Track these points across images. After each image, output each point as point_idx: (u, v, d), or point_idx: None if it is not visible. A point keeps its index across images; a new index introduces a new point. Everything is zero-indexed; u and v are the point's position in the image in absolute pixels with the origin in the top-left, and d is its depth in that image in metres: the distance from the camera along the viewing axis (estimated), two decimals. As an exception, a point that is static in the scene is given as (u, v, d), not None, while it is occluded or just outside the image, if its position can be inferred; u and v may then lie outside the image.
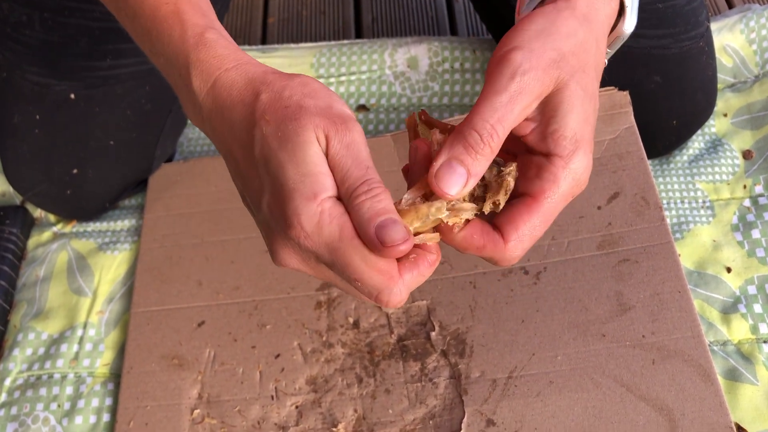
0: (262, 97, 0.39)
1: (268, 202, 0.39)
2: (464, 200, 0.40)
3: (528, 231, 0.40)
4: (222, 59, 0.41)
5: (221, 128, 0.41)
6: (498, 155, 0.40)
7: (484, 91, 0.39)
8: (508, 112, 0.38)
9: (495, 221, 0.41)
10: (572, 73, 0.40)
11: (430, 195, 0.39)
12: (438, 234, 0.40)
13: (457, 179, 0.38)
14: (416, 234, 0.39)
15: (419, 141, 0.41)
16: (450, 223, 0.39)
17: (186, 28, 0.43)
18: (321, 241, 0.37)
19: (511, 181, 0.40)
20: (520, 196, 0.41)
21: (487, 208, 0.40)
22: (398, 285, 0.38)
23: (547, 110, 0.40)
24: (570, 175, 0.40)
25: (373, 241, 0.36)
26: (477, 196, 0.41)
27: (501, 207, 0.40)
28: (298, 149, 0.37)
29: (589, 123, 0.41)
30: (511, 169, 0.40)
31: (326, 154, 0.38)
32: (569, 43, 0.40)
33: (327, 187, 0.37)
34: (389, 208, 0.37)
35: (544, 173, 0.40)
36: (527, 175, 0.41)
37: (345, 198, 0.37)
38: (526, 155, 0.42)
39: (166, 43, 0.44)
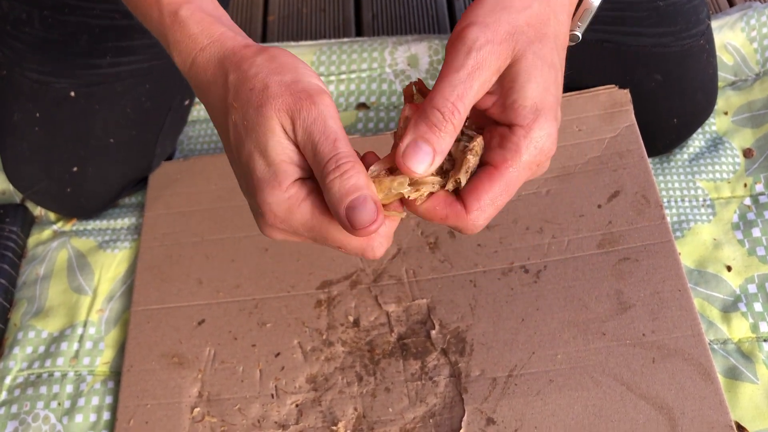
0: (230, 78, 0.40)
1: (246, 188, 0.41)
2: (432, 174, 0.41)
3: (489, 201, 0.40)
4: (196, 38, 0.42)
5: (206, 107, 0.43)
6: (470, 128, 0.42)
7: (443, 68, 0.39)
8: (467, 88, 0.39)
9: (459, 191, 0.42)
10: (528, 44, 0.40)
11: (396, 168, 0.40)
12: (402, 211, 0.41)
13: (423, 157, 0.39)
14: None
15: (411, 106, 0.42)
16: (411, 198, 0.40)
17: (162, 8, 0.43)
18: (296, 223, 0.39)
19: (471, 159, 0.41)
20: (483, 165, 0.41)
21: (450, 186, 0.41)
22: (377, 240, 0.40)
23: (506, 82, 0.41)
24: (532, 144, 0.40)
25: (345, 224, 0.37)
26: (445, 170, 0.42)
27: (463, 184, 0.41)
28: (261, 139, 0.38)
29: (551, 92, 0.41)
30: (474, 144, 0.41)
31: (294, 136, 0.38)
32: (524, 15, 0.41)
33: (290, 173, 0.39)
34: (359, 184, 0.37)
35: (506, 143, 0.40)
36: (490, 145, 0.41)
37: (318, 177, 0.38)
38: (492, 127, 0.42)
39: (149, 25, 0.45)
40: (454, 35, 0.40)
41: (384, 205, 0.40)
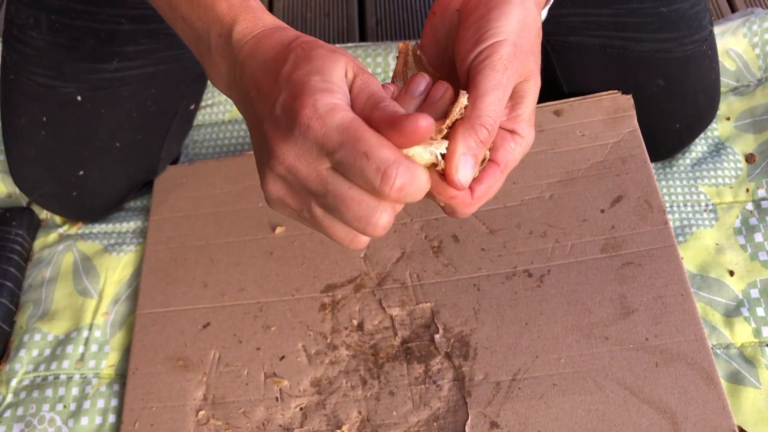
0: (301, 38, 0.42)
1: (283, 100, 0.39)
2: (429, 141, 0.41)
3: (485, 190, 0.43)
4: (266, 21, 0.45)
5: (252, 67, 0.42)
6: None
7: (481, 79, 0.41)
8: (502, 106, 0.42)
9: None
10: (536, 65, 0.45)
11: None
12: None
13: (470, 169, 0.41)
14: None
15: (420, 75, 0.43)
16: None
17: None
18: (333, 122, 0.37)
19: (457, 111, 0.41)
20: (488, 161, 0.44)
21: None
22: (384, 212, 0.38)
23: (515, 97, 0.45)
24: (524, 145, 0.45)
25: (397, 125, 0.37)
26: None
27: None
28: (326, 68, 0.39)
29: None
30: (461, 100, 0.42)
31: (350, 88, 0.40)
32: (527, 33, 0.44)
33: (346, 95, 0.39)
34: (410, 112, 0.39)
35: (507, 145, 0.44)
36: (495, 145, 0.44)
37: (370, 108, 0.39)
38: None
39: (208, 8, 0.46)
40: (489, 49, 0.42)
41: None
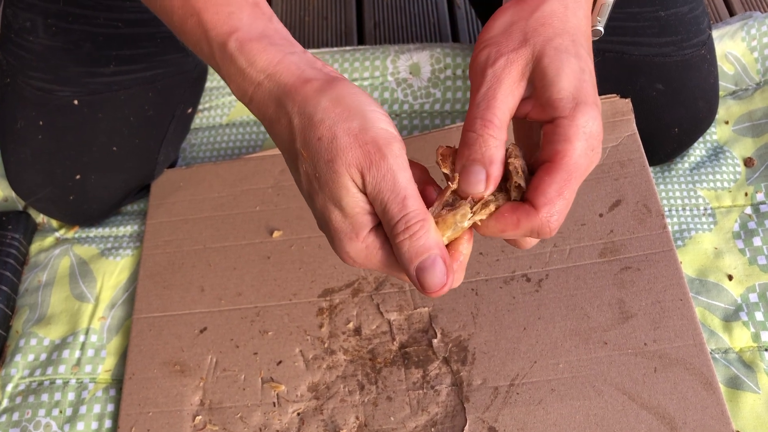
0: (295, 122, 0.39)
1: (324, 228, 0.42)
2: (494, 193, 0.41)
3: (555, 192, 0.39)
4: (248, 75, 0.41)
5: (273, 140, 0.43)
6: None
7: (470, 97, 0.41)
8: (491, 99, 0.40)
9: (525, 196, 0.41)
10: (547, 42, 0.41)
11: (454, 201, 0.41)
12: (471, 242, 0.41)
13: (477, 176, 0.39)
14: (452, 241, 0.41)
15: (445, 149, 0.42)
16: (480, 220, 0.40)
17: (211, 42, 0.42)
18: (372, 265, 0.41)
19: (514, 161, 0.40)
20: (539, 164, 0.41)
21: (513, 193, 0.41)
22: (451, 278, 0.41)
23: (537, 81, 0.41)
24: (581, 130, 0.40)
25: (415, 283, 0.39)
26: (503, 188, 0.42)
27: (525, 186, 0.40)
28: (335, 193, 0.39)
29: (584, 80, 0.41)
30: (511, 150, 0.41)
31: (364, 190, 0.39)
32: (535, 17, 0.42)
33: (366, 224, 0.40)
34: (428, 244, 0.38)
35: (554, 137, 0.40)
36: (541, 145, 0.41)
37: (389, 235, 0.39)
38: (536, 132, 0.44)
39: (202, 56, 0.44)
40: (471, 63, 0.41)
41: (456, 240, 0.41)
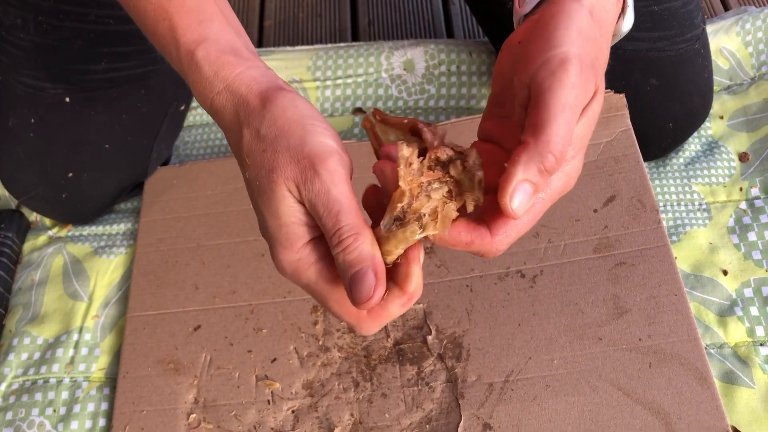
0: (244, 132, 0.41)
1: (264, 235, 0.42)
2: (444, 199, 0.39)
3: (514, 229, 0.40)
4: (211, 82, 0.42)
5: (230, 147, 0.45)
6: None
7: (547, 98, 0.37)
8: (571, 130, 0.38)
9: (482, 215, 0.41)
10: (601, 81, 0.41)
11: (407, 209, 0.39)
12: (420, 258, 0.40)
13: (528, 200, 0.38)
14: (403, 254, 0.40)
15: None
16: (433, 234, 0.39)
17: (179, 48, 0.43)
18: (301, 282, 0.41)
19: (481, 174, 0.39)
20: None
21: (470, 207, 0.40)
22: (367, 323, 0.41)
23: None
24: (563, 177, 0.41)
25: (349, 294, 0.39)
26: (453, 194, 0.40)
27: (482, 201, 0.40)
28: (272, 202, 0.39)
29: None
30: (475, 158, 0.40)
31: (301, 201, 0.39)
32: (595, 49, 0.40)
33: (301, 235, 0.40)
34: (360, 257, 0.38)
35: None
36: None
37: (329, 245, 0.40)
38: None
39: (169, 60, 0.45)
40: (555, 64, 0.38)
41: (407, 252, 0.40)
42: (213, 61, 0.42)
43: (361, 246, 0.38)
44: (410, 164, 0.39)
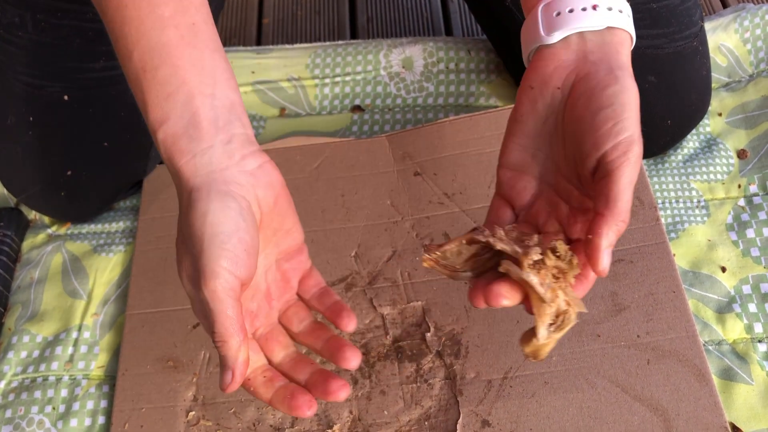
0: (179, 220, 0.46)
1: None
2: (564, 288, 0.44)
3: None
4: (168, 163, 0.46)
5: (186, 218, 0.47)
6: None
7: (620, 178, 0.43)
8: (632, 196, 0.44)
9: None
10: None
11: (559, 315, 0.44)
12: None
13: (610, 259, 0.44)
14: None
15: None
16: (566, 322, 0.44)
17: (148, 123, 0.46)
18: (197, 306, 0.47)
19: (576, 259, 0.44)
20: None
21: (573, 281, 0.45)
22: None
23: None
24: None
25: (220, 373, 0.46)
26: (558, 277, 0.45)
27: (578, 267, 0.45)
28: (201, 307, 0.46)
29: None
30: (560, 244, 0.44)
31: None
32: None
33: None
34: (226, 357, 0.45)
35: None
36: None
37: None
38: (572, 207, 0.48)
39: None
40: (626, 146, 0.44)
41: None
42: (168, 147, 0.45)
43: (228, 352, 0.44)
44: (539, 272, 0.43)
